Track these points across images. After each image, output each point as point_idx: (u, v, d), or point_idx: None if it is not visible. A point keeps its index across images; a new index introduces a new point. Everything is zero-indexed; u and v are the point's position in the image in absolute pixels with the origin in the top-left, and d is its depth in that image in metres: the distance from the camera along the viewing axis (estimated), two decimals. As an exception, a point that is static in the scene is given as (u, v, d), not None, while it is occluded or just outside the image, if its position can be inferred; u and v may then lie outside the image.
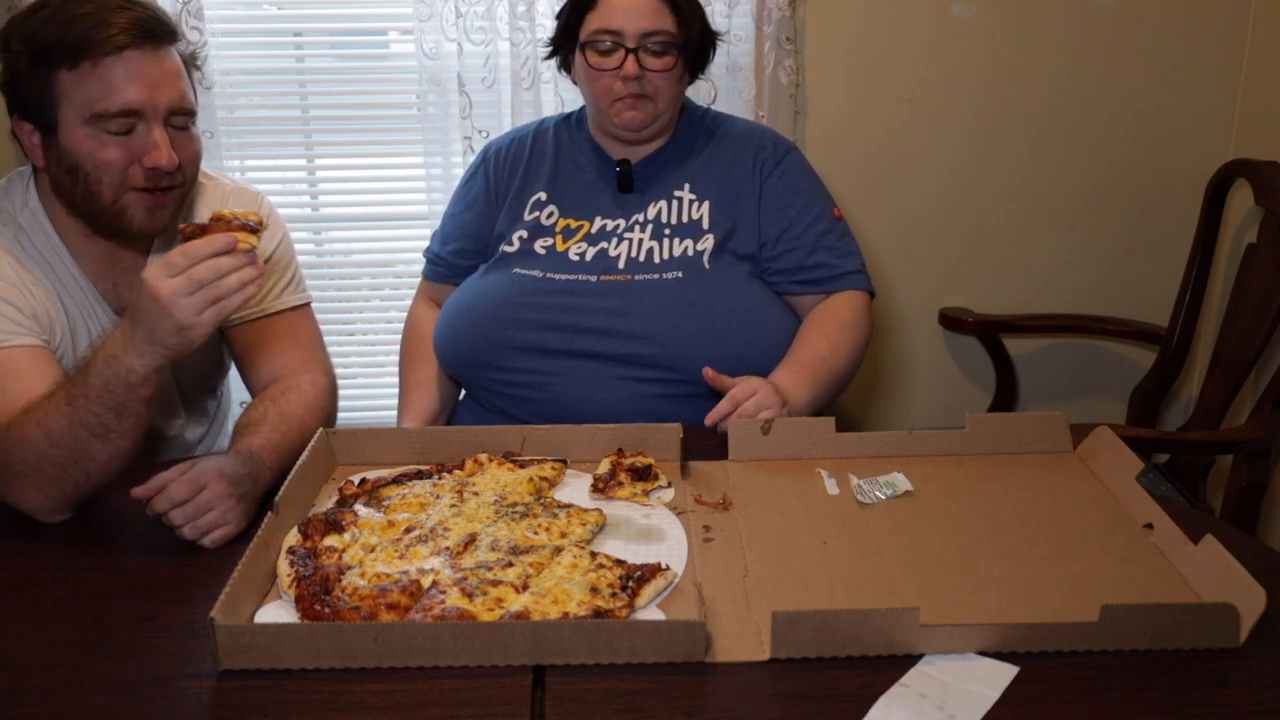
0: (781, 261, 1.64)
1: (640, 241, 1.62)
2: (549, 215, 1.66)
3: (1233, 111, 2.33)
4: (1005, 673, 0.93)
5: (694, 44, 1.61)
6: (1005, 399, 2.46)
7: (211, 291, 1.10)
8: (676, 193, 1.65)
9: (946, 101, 2.31)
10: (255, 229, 1.14)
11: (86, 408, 1.16)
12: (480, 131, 2.17)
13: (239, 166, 2.27)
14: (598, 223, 1.64)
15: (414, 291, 1.85)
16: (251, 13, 2.24)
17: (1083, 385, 2.53)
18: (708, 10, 1.73)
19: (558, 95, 2.14)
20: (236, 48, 2.22)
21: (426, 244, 1.82)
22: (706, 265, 1.60)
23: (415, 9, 2.11)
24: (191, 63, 1.37)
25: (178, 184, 1.34)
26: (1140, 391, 2.34)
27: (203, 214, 1.48)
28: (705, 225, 1.63)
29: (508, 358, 1.58)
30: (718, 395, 1.44)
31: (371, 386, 2.49)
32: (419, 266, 1.83)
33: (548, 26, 2.13)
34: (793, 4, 2.14)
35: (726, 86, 2.18)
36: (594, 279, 1.59)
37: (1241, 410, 2.21)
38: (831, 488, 1.27)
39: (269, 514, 1.11)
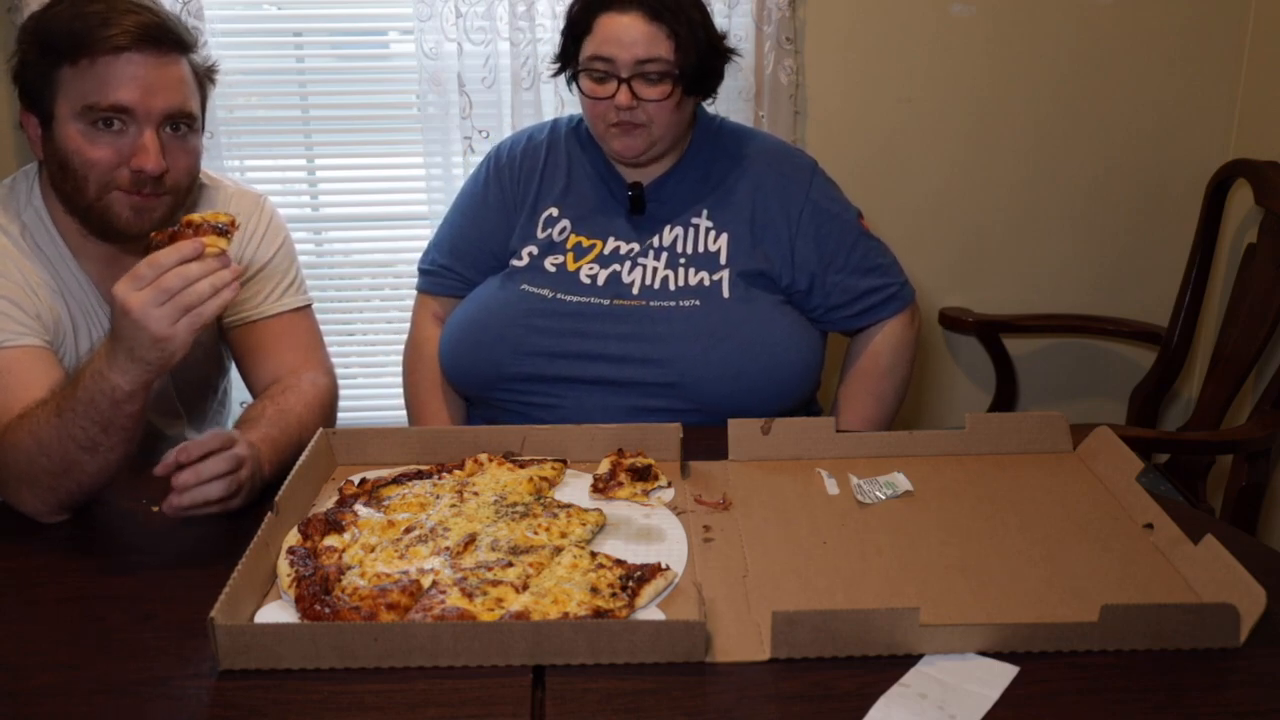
0: (835, 297, 1.61)
1: (655, 270, 1.58)
2: (561, 231, 1.62)
3: (1233, 111, 2.33)
4: (1005, 673, 0.93)
5: (693, 69, 1.52)
6: (1005, 399, 2.46)
7: (182, 300, 1.07)
8: (694, 220, 1.60)
9: (946, 101, 2.31)
10: (225, 230, 1.11)
11: (74, 420, 1.14)
12: (480, 131, 2.17)
13: (239, 166, 2.27)
14: (611, 243, 1.60)
15: (414, 292, 1.76)
16: (251, 13, 2.24)
17: (1083, 385, 2.53)
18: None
19: (558, 95, 2.13)
20: (236, 48, 2.22)
21: (425, 246, 1.75)
22: (726, 294, 1.56)
23: (415, 9, 2.12)
24: (207, 76, 1.37)
25: (165, 190, 1.32)
26: (1140, 391, 2.34)
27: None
28: (722, 260, 1.58)
29: (516, 384, 1.56)
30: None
31: (371, 386, 2.49)
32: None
33: (548, 27, 2.14)
34: (793, 4, 2.14)
35: (727, 86, 2.14)
36: (606, 302, 1.56)
37: (1241, 410, 2.21)
38: (831, 488, 1.27)
39: (269, 514, 1.10)
